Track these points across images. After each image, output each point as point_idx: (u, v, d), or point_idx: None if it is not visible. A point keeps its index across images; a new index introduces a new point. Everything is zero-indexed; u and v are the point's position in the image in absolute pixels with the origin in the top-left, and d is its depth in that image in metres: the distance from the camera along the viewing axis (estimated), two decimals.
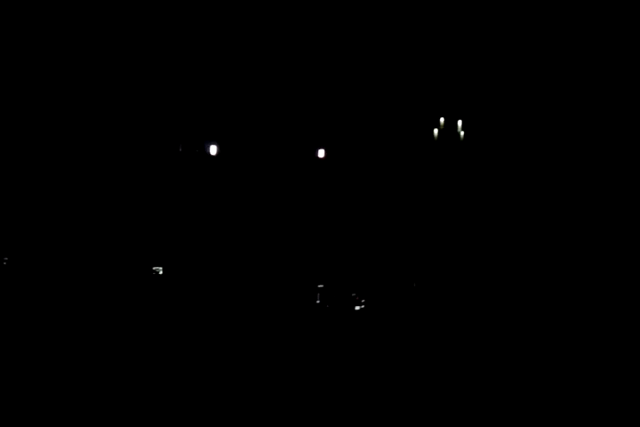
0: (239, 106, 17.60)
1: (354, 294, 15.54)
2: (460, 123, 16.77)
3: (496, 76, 16.68)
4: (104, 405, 9.81)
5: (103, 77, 17.05)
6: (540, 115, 16.46)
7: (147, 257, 16.23)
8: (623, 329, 13.14)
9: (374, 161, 17.22)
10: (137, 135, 17.15)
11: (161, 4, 17.07)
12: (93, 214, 16.63)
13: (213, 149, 17.42)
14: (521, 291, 15.24)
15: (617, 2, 15.95)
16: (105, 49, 17.01)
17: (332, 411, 10.15)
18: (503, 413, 9.67)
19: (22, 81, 16.82)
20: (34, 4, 16.80)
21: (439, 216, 16.63)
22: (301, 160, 17.46)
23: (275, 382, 11.08)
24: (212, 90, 17.53)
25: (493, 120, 16.73)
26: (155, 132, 17.25)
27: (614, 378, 10.69)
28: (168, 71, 17.30)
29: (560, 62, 16.31)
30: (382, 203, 16.81)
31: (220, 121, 17.57)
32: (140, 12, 17.05)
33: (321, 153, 17.44)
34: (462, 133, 16.73)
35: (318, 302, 15.59)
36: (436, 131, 16.88)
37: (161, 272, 16.05)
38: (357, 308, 15.48)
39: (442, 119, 16.78)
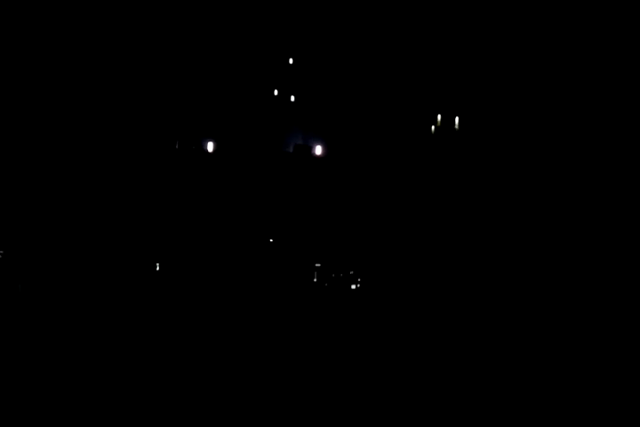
0: (236, 102, 17.61)
1: (351, 273, 15.66)
2: (457, 119, 16.83)
3: (494, 72, 16.76)
4: (103, 400, 9.72)
5: (99, 74, 17.02)
6: (538, 110, 16.54)
7: (144, 253, 16.16)
8: (623, 328, 13.14)
9: (371, 156, 17.25)
10: (133, 132, 17.11)
11: (155, 2, 17.10)
12: (89, 211, 16.55)
13: (210, 146, 17.40)
14: (518, 286, 15.24)
15: (617, 2, 16.10)
16: (101, 46, 16.99)
17: (329, 392, 10.11)
18: (501, 409, 9.64)
19: (18, 74, 16.77)
20: (32, 3, 16.79)
21: (436, 209, 16.66)
22: (297, 156, 17.47)
23: (274, 362, 11.05)
24: (208, 86, 17.53)
25: (491, 116, 16.79)
26: (151, 129, 17.21)
27: (614, 378, 10.68)
28: (164, 68, 17.29)
29: (559, 59, 16.42)
30: (380, 192, 16.84)
31: (216, 118, 17.56)
32: (134, 8, 17.06)
33: (318, 150, 17.46)
34: (459, 130, 16.79)
35: (315, 280, 15.77)
36: (432, 127, 16.93)
37: (157, 268, 16.00)
38: (354, 287, 15.67)
39: (439, 116, 16.84)
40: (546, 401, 9.85)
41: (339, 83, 17.57)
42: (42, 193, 16.48)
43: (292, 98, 17.72)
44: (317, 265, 15.87)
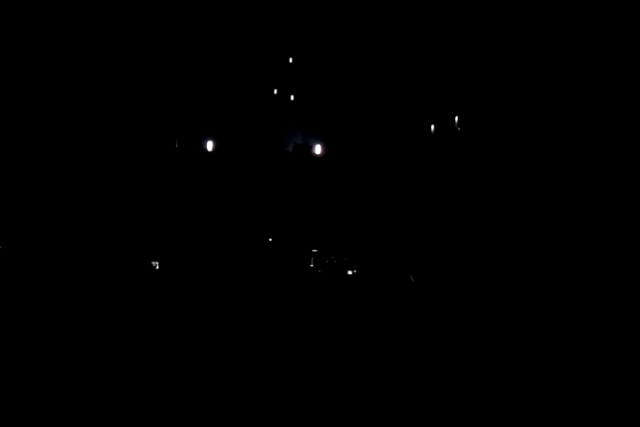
0: (236, 102, 17.62)
1: (345, 259, 15.72)
2: (456, 119, 16.84)
3: (493, 71, 16.78)
4: (103, 397, 9.67)
5: (99, 74, 17.04)
6: (537, 110, 16.55)
7: (144, 251, 16.15)
8: (623, 327, 13.09)
9: (370, 155, 17.25)
10: (133, 131, 17.11)
11: (156, 2, 17.15)
12: (90, 209, 16.53)
13: (210, 145, 17.40)
14: (516, 283, 15.21)
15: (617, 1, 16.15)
16: (101, 46, 17.02)
17: (327, 374, 10.09)
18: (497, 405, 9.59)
19: (19, 75, 16.79)
20: (33, 3, 16.84)
21: (432, 205, 16.66)
22: (297, 156, 17.47)
23: (271, 347, 11.07)
24: (208, 86, 17.55)
25: (490, 115, 16.80)
26: (151, 128, 17.21)
27: (614, 377, 10.63)
28: (164, 67, 17.31)
29: (558, 58, 16.44)
30: (378, 189, 16.85)
31: (216, 117, 17.57)
32: (135, 8, 17.11)
33: (318, 149, 17.46)
34: (459, 129, 16.79)
35: (312, 265, 15.85)
36: (432, 127, 16.94)
37: (157, 267, 15.98)
38: (350, 272, 15.74)
39: (438, 115, 16.86)
40: (545, 401, 9.79)
41: (338, 83, 17.59)
42: (42, 191, 16.47)
43: (292, 97, 17.74)
44: (314, 251, 15.94)
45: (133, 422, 9.07)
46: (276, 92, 17.74)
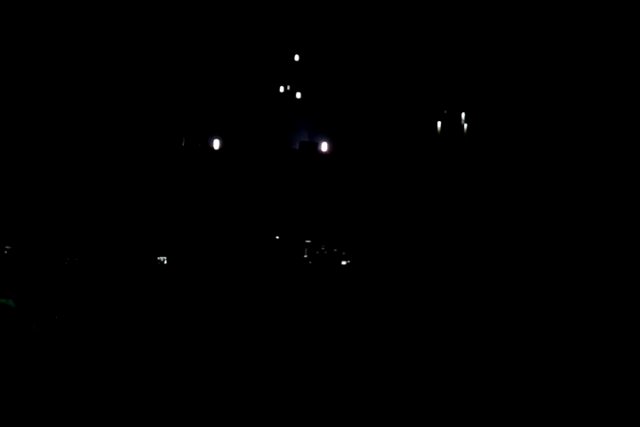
0: (242, 100, 17.64)
1: (336, 250, 15.87)
2: (462, 116, 16.86)
3: (500, 67, 16.79)
4: (104, 394, 9.73)
5: (106, 72, 17.07)
6: (544, 107, 16.56)
7: (152, 248, 16.24)
8: (623, 328, 13.11)
9: (376, 152, 17.28)
10: (139, 130, 17.15)
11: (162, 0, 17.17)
12: (96, 207, 16.60)
13: (216, 144, 17.43)
14: (518, 284, 15.24)
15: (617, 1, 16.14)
16: (109, 44, 17.05)
17: (322, 368, 10.17)
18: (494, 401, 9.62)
19: (27, 73, 16.83)
20: (34, 3, 16.86)
21: (435, 205, 16.71)
22: (303, 153, 17.50)
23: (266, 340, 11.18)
24: (214, 84, 17.57)
25: (497, 112, 16.81)
26: (157, 127, 17.25)
27: (614, 377, 10.66)
28: (171, 66, 17.34)
29: (564, 56, 16.44)
30: (383, 188, 16.91)
31: (222, 115, 17.60)
32: (142, 6, 17.12)
33: (324, 146, 17.49)
34: (465, 127, 16.81)
35: (305, 256, 15.99)
36: (438, 124, 16.96)
37: (165, 262, 16.06)
38: (344, 263, 15.87)
39: (445, 111, 16.87)
40: (545, 400, 9.83)
41: (344, 80, 17.60)
42: (48, 190, 16.54)
43: (298, 95, 17.75)
44: (307, 242, 16.08)
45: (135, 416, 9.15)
46: (282, 89, 17.75)
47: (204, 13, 17.28)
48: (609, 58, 16.28)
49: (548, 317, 13.58)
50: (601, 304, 13.95)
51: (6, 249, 15.56)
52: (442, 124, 16.93)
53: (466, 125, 16.85)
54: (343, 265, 16.08)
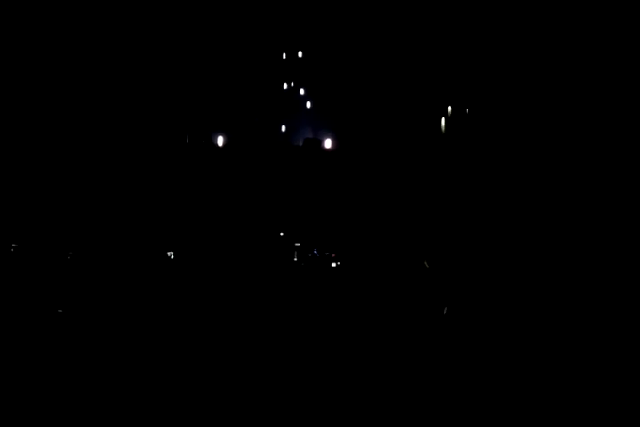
0: (246, 97, 17.67)
1: (327, 253, 16.03)
2: (466, 112, 16.89)
3: (502, 66, 16.80)
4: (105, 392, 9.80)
5: (113, 70, 17.10)
6: (545, 105, 16.58)
7: (160, 243, 16.36)
8: (623, 327, 13.13)
9: (379, 149, 17.31)
10: (144, 126, 17.18)
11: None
12: (101, 203, 16.65)
13: (220, 140, 17.47)
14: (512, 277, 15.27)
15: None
16: (116, 43, 17.07)
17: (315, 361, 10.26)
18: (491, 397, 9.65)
19: (43, 71, 16.87)
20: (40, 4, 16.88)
21: (436, 203, 16.75)
22: (306, 150, 17.54)
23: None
24: (217, 81, 17.60)
25: (500, 110, 16.83)
26: (162, 124, 17.29)
27: (614, 377, 10.68)
28: (175, 64, 17.36)
29: (563, 60, 16.45)
30: (385, 186, 16.95)
31: (226, 112, 17.63)
32: (149, 5, 17.14)
33: (328, 143, 17.52)
34: (468, 126, 16.84)
35: (295, 259, 16.16)
36: (442, 122, 17.00)
37: (172, 256, 16.18)
38: (334, 265, 16.04)
39: (449, 108, 16.90)
40: (544, 400, 9.88)
41: (348, 77, 17.62)
42: (55, 187, 16.59)
43: (302, 91, 17.78)
44: (297, 244, 16.24)
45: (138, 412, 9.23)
46: (285, 86, 17.78)
47: (208, 12, 17.29)
48: (609, 58, 16.29)
49: (545, 315, 13.64)
50: (600, 303, 13.99)
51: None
52: (446, 122, 16.95)
53: (469, 123, 16.86)
54: (333, 267, 16.28)
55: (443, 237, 16.23)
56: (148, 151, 17.02)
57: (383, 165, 17.25)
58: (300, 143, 17.64)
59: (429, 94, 17.25)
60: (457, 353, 11.35)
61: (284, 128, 17.72)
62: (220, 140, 17.42)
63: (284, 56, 17.74)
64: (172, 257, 16.11)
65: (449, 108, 16.84)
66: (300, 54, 17.73)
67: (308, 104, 17.79)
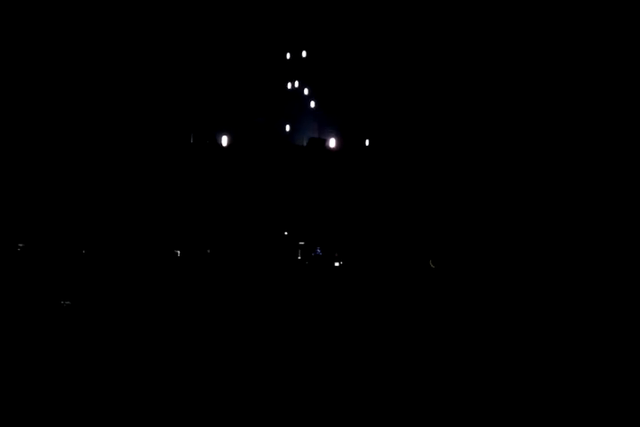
0: (250, 96, 17.71)
1: (331, 252, 16.12)
2: (469, 114, 16.93)
3: (504, 66, 16.84)
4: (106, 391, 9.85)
5: (117, 70, 17.12)
6: (546, 105, 16.62)
7: (165, 241, 16.42)
8: (623, 327, 13.17)
9: (383, 150, 17.36)
10: (148, 127, 17.22)
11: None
12: (105, 203, 16.68)
13: (224, 140, 17.51)
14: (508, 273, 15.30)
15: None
16: (120, 42, 17.09)
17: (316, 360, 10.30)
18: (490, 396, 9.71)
19: (51, 70, 16.89)
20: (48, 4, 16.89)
21: (438, 203, 16.79)
22: (311, 150, 17.58)
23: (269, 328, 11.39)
24: (222, 81, 17.63)
25: (502, 110, 16.88)
26: (166, 124, 17.32)
27: (614, 376, 10.72)
28: (180, 64, 17.39)
29: (565, 56, 16.49)
30: (388, 186, 17.00)
31: (230, 112, 17.67)
32: (153, 5, 17.16)
33: (332, 143, 17.57)
34: (471, 129, 16.88)
35: (299, 258, 16.27)
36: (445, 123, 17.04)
37: (179, 254, 16.27)
38: (337, 264, 16.13)
39: (454, 108, 16.94)
40: (544, 400, 9.91)
41: (352, 76, 17.65)
42: (62, 188, 16.62)
43: (306, 91, 17.82)
44: (301, 243, 16.35)
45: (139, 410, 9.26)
46: (289, 86, 17.83)
47: (213, 12, 17.33)
48: (609, 58, 16.34)
49: (550, 315, 13.68)
50: (603, 303, 14.04)
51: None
52: (449, 123, 16.99)
53: (474, 122, 16.89)
54: (337, 266, 16.37)
55: (448, 237, 16.28)
56: (152, 151, 17.06)
57: (388, 164, 17.29)
58: (305, 143, 17.69)
59: (434, 94, 17.29)
60: (460, 353, 11.40)
61: (288, 128, 17.74)
62: (225, 140, 17.46)
63: (288, 56, 17.76)
64: (179, 255, 16.19)
65: (454, 107, 16.87)
66: (304, 54, 17.76)
67: (313, 104, 17.81)
